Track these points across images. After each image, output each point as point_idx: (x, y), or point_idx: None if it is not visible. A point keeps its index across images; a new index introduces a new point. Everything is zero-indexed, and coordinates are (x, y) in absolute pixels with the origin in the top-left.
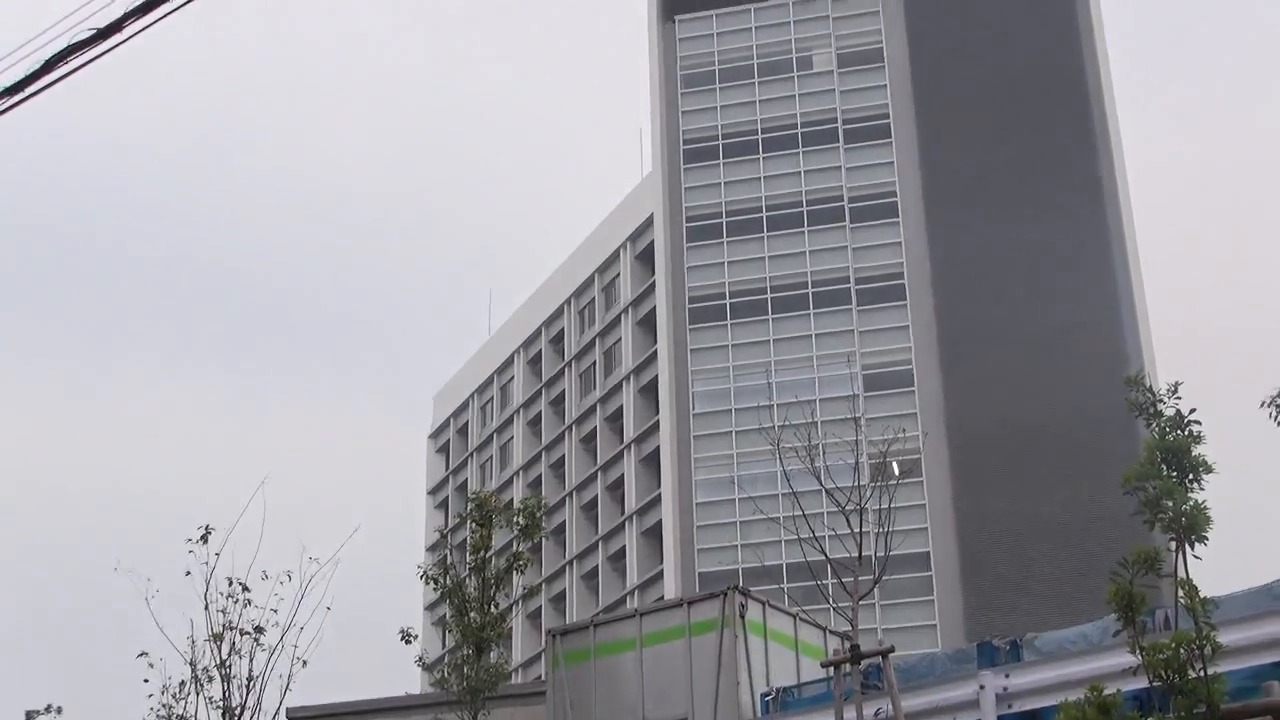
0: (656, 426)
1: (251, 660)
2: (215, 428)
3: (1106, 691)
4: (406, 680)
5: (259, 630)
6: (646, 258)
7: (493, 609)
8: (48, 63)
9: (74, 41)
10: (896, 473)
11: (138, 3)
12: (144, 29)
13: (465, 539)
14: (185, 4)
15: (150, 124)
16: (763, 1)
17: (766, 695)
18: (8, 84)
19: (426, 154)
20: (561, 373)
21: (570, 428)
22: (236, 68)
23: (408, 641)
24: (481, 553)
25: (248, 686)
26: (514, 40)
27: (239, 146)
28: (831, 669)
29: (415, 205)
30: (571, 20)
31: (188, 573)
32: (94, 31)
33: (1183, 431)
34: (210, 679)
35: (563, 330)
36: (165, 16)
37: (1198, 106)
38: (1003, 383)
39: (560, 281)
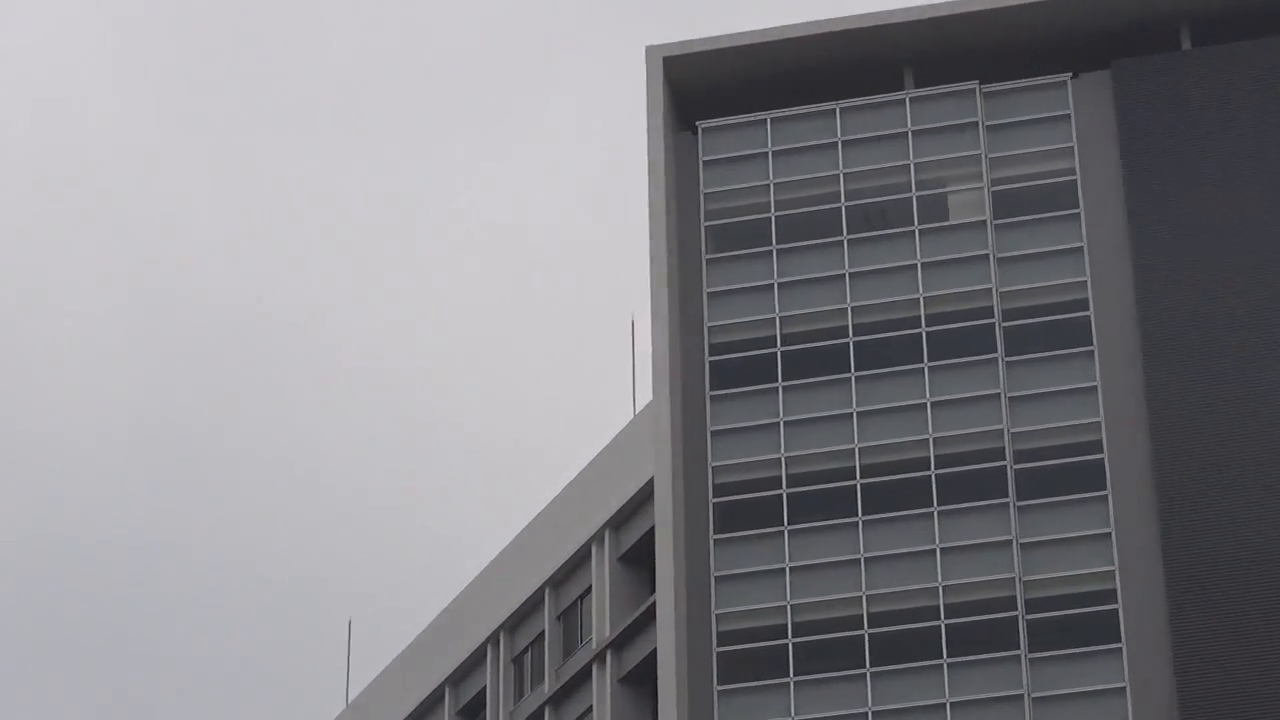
0: None
1: None
2: None
3: None
4: None
5: None
6: (639, 560)
7: None
8: None
9: None
10: None
11: None
12: None
13: None
14: None
15: None
16: (855, 98)
17: None
18: None
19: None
20: None
21: None
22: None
23: None
24: None
25: None
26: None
27: None
28: None
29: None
30: (519, 125)
31: None
32: None
33: None
34: None
35: (483, 693)
36: None
37: None
38: None
39: (480, 603)
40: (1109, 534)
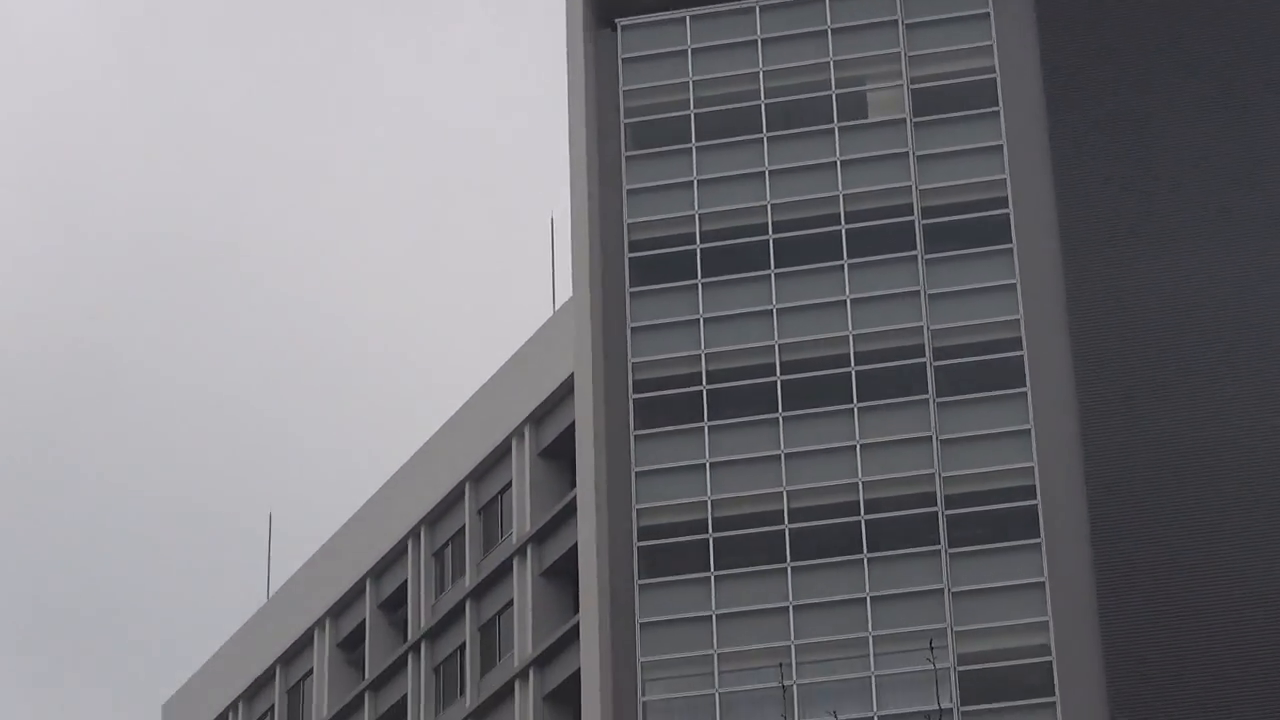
0: None
1: None
2: None
3: None
4: None
5: None
6: (560, 455)
7: None
8: None
9: None
10: None
11: None
12: None
13: None
14: None
15: None
16: None
17: None
18: None
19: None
20: (403, 662)
21: None
22: None
23: None
24: None
25: None
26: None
27: None
28: None
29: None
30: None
31: None
32: None
33: None
34: None
35: (404, 586)
36: None
37: None
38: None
39: (401, 497)
40: (1028, 430)
